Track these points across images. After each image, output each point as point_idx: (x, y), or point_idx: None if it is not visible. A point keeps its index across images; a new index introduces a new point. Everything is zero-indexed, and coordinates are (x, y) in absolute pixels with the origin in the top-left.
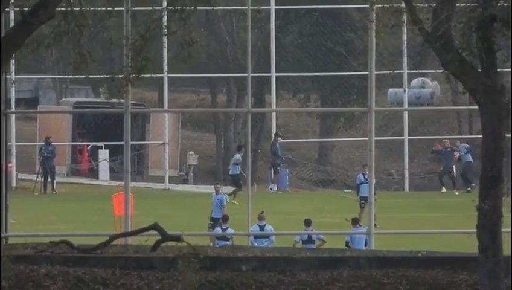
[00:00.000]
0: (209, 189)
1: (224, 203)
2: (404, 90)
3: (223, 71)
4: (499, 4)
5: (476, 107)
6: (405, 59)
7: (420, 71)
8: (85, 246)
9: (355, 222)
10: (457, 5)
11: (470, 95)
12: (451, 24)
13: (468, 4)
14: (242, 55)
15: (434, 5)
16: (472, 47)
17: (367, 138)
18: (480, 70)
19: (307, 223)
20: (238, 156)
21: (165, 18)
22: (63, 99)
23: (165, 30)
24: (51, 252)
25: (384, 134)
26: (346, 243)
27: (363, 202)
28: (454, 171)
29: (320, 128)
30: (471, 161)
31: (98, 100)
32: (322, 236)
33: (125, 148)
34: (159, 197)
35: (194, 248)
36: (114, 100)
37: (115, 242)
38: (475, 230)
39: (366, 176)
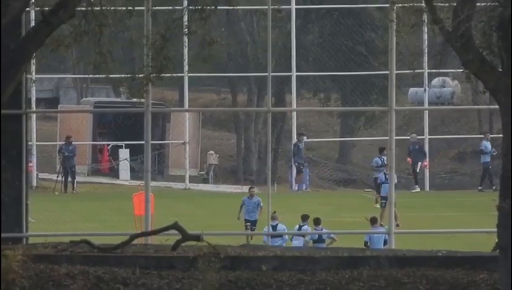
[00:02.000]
0: (230, 188)
1: (262, 204)
2: (425, 90)
3: (243, 71)
4: None
5: (497, 106)
6: (425, 58)
7: (441, 70)
8: (105, 246)
9: (374, 221)
10: (478, 4)
11: (491, 94)
12: (472, 23)
13: (488, 4)
14: (262, 54)
15: (454, 4)
16: (492, 46)
17: (387, 138)
18: (500, 70)
19: (316, 222)
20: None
21: (185, 17)
22: (84, 98)
23: (186, 30)
24: (71, 252)
25: (404, 133)
26: (365, 243)
27: (383, 201)
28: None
29: (341, 127)
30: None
31: (119, 100)
32: (332, 235)
33: (146, 148)
34: (179, 196)
35: (214, 247)
36: (134, 100)
37: (135, 241)
38: (495, 229)
39: (386, 174)
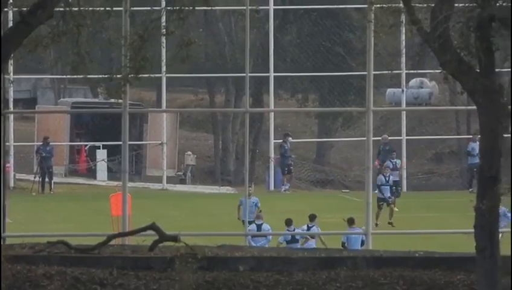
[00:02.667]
0: (207, 189)
1: (259, 205)
2: (402, 90)
3: (221, 71)
4: (497, 4)
5: (474, 107)
6: (403, 59)
7: (418, 71)
8: (83, 246)
9: (351, 222)
10: (456, 5)
11: (468, 95)
12: (450, 24)
13: (466, 4)
14: (240, 55)
15: (432, 5)
16: (470, 47)
17: (365, 138)
18: (478, 71)
19: (288, 223)
20: None
21: (163, 18)
22: (61, 99)
23: (164, 30)
24: (48, 252)
25: (382, 134)
26: (343, 244)
27: (381, 203)
28: None
29: (318, 128)
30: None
31: (96, 100)
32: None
33: (123, 148)
34: (156, 197)
35: (191, 248)
36: (112, 100)
37: (112, 242)
38: (472, 230)
39: (387, 178)
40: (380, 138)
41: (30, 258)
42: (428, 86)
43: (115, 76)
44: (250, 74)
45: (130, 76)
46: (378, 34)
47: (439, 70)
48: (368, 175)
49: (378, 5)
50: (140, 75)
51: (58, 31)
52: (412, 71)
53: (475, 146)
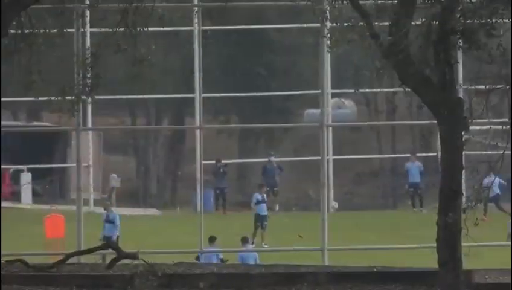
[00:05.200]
0: (134, 211)
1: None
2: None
3: (141, 93)
4: (459, 17)
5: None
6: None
7: (336, 91)
8: (40, 265)
9: (245, 241)
10: (413, 21)
11: (429, 108)
12: (409, 38)
13: (424, 20)
14: (159, 76)
15: (387, 23)
16: (429, 60)
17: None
18: (437, 84)
19: (211, 240)
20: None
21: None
22: None
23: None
24: (6, 271)
25: (301, 155)
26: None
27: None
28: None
29: (239, 149)
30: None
31: (19, 123)
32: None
33: (77, 167)
34: (84, 219)
35: (151, 265)
36: (35, 123)
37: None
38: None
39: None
40: (308, 158)
41: None
42: (346, 106)
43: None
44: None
45: (86, 93)
46: (332, 49)
47: (354, 90)
48: (323, 192)
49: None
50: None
51: (11, 50)
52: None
53: (410, 166)
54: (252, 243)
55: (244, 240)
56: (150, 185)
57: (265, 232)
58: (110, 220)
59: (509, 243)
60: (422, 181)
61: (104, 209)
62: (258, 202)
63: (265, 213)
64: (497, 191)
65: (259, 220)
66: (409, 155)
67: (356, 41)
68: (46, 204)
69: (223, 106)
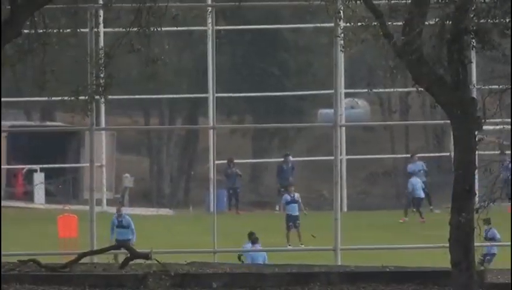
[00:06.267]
0: (147, 211)
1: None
2: (335, 111)
3: (155, 93)
4: (472, 17)
5: (415, 123)
6: (340, 79)
7: (349, 91)
8: (53, 265)
9: (255, 240)
10: (426, 23)
11: (442, 108)
12: (423, 38)
13: (437, 19)
14: (173, 76)
15: (400, 23)
16: (443, 60)
17: (301, 158)
18: (451, 83)
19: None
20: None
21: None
22: None
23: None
24: (19, 271)
25: (315, 155)
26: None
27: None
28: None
29: (253, 149)
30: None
31: (32, 123)
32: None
33: (91, 167)
34: (97, 219)
35: (163, 265)
36: (48, 123)
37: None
38: (414, 246)
39: (292, 195)
40: (321, 158)
41: (0, 277)
42: (359, 106)
43: (79, 95)
44: (186, 95)
45: (100, 93)
46: (346, 48)
47: (367, 90)
48: (336, 191)
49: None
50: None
51: (24, 50)
52: (346, 90)
53: (411, 167)
54: (289, 244)
55: (254, 240)
56: (163, 185)
57: (300, 232)
58: (123, 226)
59: None
60: (433, 180)
61: (116, 212)
62: (288, 203)
63: (297, 213)
64: None
65: (291, 220)
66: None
67: (370, 41)
68: (59, 204)
69: (237, 105)
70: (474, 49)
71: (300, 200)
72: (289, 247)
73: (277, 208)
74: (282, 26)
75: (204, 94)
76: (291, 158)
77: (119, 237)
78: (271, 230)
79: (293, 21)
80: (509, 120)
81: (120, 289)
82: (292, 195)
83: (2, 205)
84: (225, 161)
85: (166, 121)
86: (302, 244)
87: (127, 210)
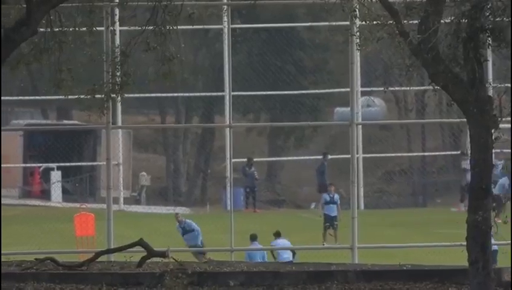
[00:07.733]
0: (163, 209)
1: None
2: (351, 108)
3: (171, 91)
4: (487, 15)
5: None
6: (357, 77)
7: (365, 89)
8: (70, 263)
9: (253, 238)
10: (442, 21)
11: (459, 106)
12: (439, 36)
13: (452, 18)
14: (189, 75)
15: (416, 21)
16: (458, 58)
17: (318, 157)
18: (467, 82)
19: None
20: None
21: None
22: (13, 121)
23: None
24: (37, 270)
25: (332, 153)
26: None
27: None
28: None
29: (269, 147)
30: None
31: (49, 121)
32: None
33: (107, 165)
34: (114, 218)
35: (181, 263)
36: (65, 121)
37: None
38: (431, 244)
39: (331, 195)
40: (341, 156)
41: (18, 275)
42: (376, 105)
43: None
44: (202, 93)
45: (116, 91)
46: (362, 47)
47: (383, 88)
48: (353, 190)
49: (363, 22)
50: (122, 93)
51: (40, 49)
52: (362, 89)
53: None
54: (323, 244)
55: (253, 238)
56: (180, 183)
57: (337, 232)
58: (188, 231)
59: None
60: (450, 179)
61: (177, 221)
62: (327, 203)
63: (335, 214)
64: None
65: (328, 221)
66: (437, 153)
67: (385, 39)
68: (76, 202)
69: (253, 104)
70: (490, 47)
71: (339, 202)
72: (309, 246)
73: (312, 206)
74: (298, 25)
75: (221, 92)
76: (329, 156)
77: (190, 243)
78: (292, 229)
79: (308, 19)
80: None
81: (137, 288)
82: (331, 195)
83: (19, 203)
84: (241, 160)
85: (182, 120)
86: (324, 243)
87: (144, 209)
